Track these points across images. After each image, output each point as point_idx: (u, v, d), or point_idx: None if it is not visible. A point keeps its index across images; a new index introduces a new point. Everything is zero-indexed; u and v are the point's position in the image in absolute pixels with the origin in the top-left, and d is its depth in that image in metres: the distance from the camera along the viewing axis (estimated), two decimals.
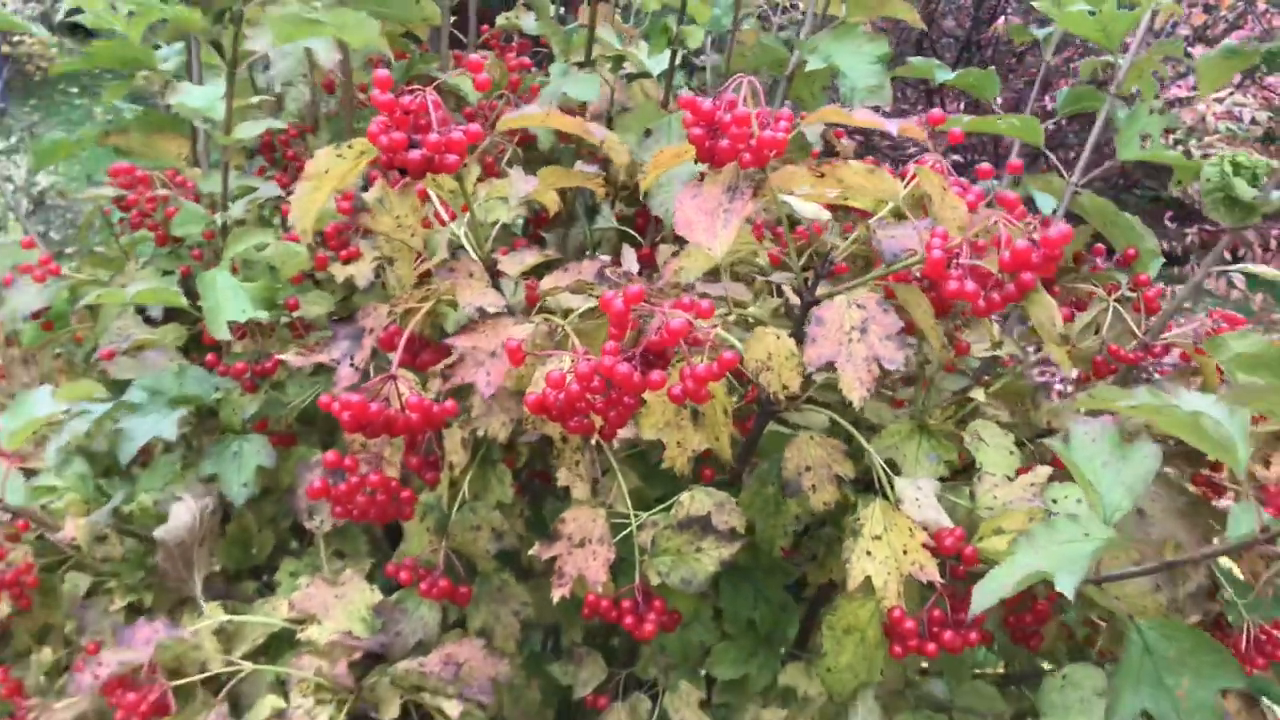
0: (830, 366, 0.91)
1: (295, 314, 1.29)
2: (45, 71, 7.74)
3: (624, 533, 1.07)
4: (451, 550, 1.14)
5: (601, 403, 0.89)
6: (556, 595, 1.03)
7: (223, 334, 1.19)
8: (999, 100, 1.34)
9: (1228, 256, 4.46)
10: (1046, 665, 1.29)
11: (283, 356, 1.13)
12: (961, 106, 4.87)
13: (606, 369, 0.86)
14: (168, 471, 1.24)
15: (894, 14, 1.42)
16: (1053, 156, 1.29)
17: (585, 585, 1.03)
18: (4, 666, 1.19)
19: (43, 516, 1.16)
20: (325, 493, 1.06)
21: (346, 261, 1.22)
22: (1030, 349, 1.27)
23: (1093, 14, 1.16)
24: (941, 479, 1.05)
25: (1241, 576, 1.05)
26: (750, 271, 1.19)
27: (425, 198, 1.08)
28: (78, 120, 7.39)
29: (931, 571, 0.96)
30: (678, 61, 1.53)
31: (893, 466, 1.06)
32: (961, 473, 1.12)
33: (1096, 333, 1.16)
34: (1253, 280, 4.26)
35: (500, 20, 1.68)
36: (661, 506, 1.08)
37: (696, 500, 1.06)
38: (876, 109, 1.20)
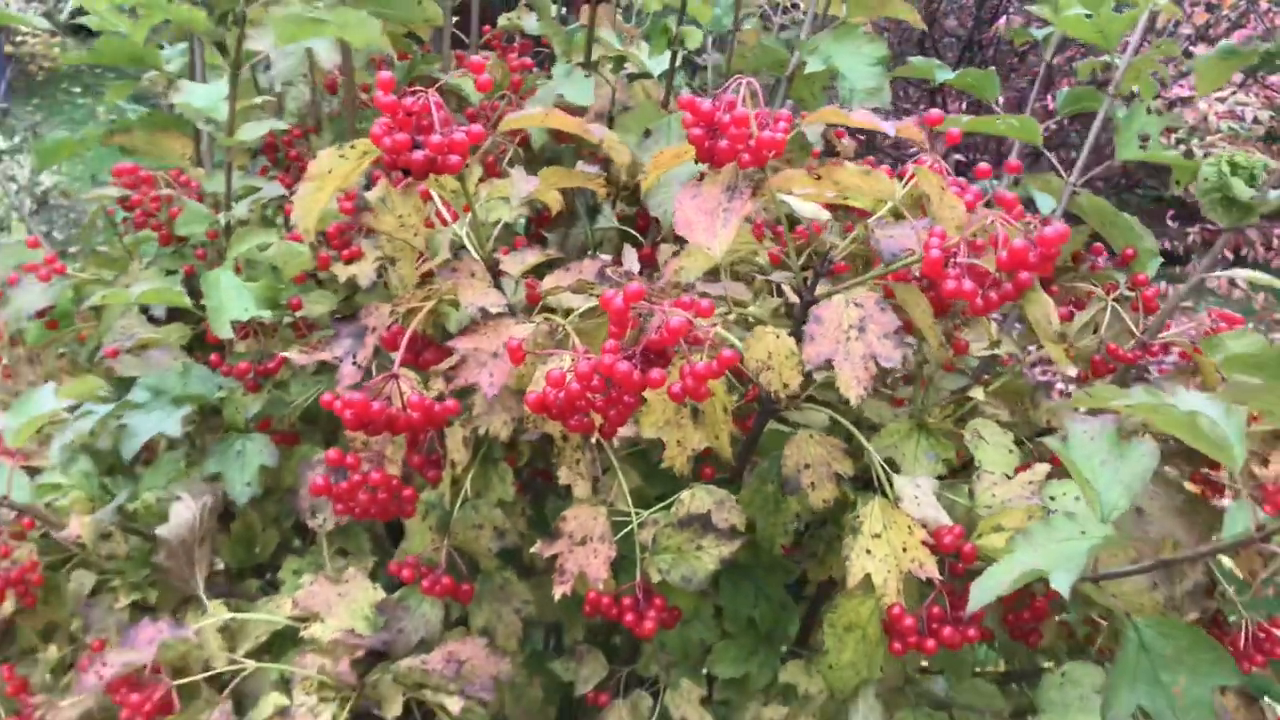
0: (829, 365, 0.92)
1: (298, 313, 1.30)
2: (48, 71, 7.77)
3: (625, 531, 1.07)
4: (454, 548, 1.15)
5: (602, 401, 0.90)
6: (558, 593, 1.03)
7: (226, 333, 1.20)
8: (1001, 100, 1.34)
9: (1230, 256, 4.47)
10: (1047, 664, 1.30)
11: (286, 355, 1.14)
12: (964, 106, 4.87)
13: (607, 367, 0.86)
14: (171, 469, 1.24)
15: (895, 14, 1.42)
16: (1052, 157, 1.29)
17: (586, 583, 1.04)
18: (9, 664, 1.20)
19: (47, 514, 1.17)
20: (327, 490, 1.07)
21: (349, 261, 1.22)
22: (1031, 348, 1.28)
23: (1089, 17, 1.16)
24: (940, 477, 1.05)
25: (1241, 575, 1.06)
26: (750, 271, 1.20)
27: (428, 198, 1.09)
28: (80, 120, 7.40)
29: (930, 569, 0.97)
30: (679, 61, 1.53)
31: (892, 465, 1.07)
32: (960, 471, 1.12)
33: (1095, 332, 1.17)
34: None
35: (502, 21, 1.68)
36: (662, 505, 1.09)
37: (697, 498, 1.07)
38: (876, 110, 1.21)
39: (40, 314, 1.36)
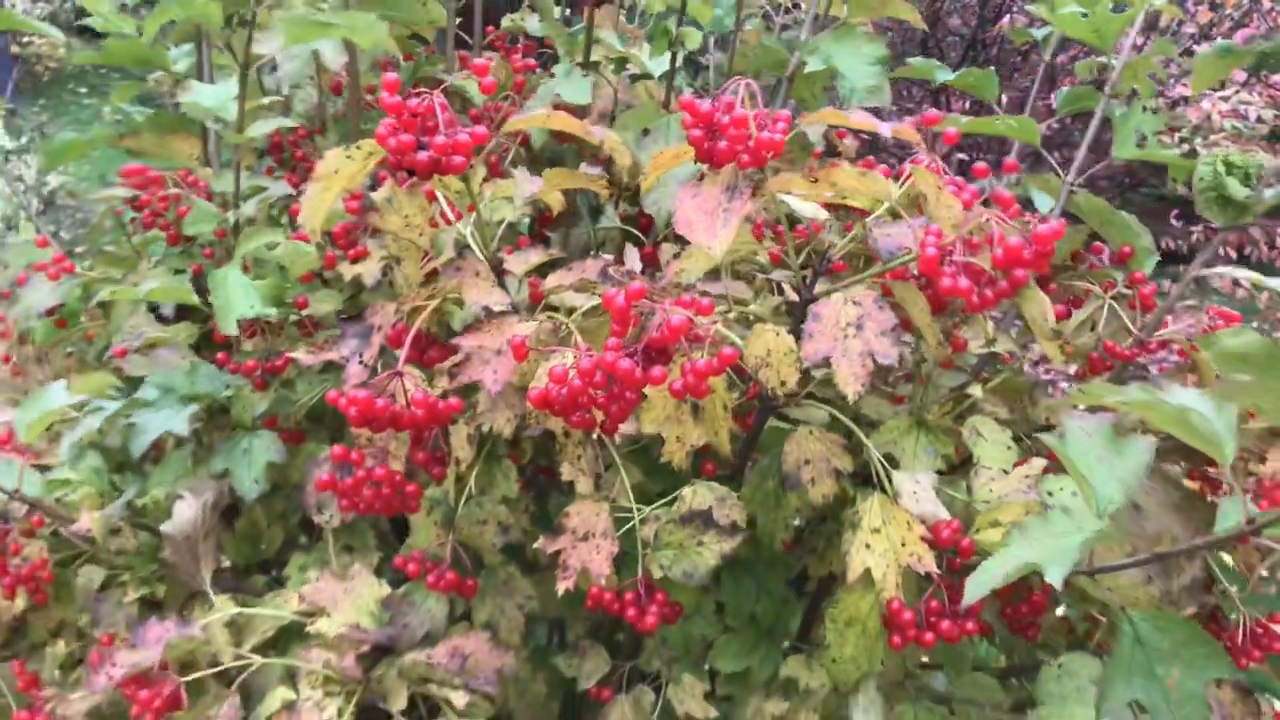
0: (827, 362, 0.93)
1: (304, 312, 1.31)
2: (54, 71, 7.79)
3: (627, 527, 1.08)
4: (458, 544, 1.16)
5: (603, 398, 0.91)
6: (561, 588, 1.04)
7: (232, 329, 1.21)
8: (1004, 99, 1.35)
9: (1233, 254, 4.46)
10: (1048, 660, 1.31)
11: (292, 354, 1.15)
12: (967, 105, 4.87)
13: (609, 365, 0.87)
14: (179, 466, 1.26)
15: (896, 14, 1.43)
16: (1049, 156, 1.30)
17: (589, 578, 1.05)
18: (20, 660, 1.21)
19: (57, 509, 1.18)
20: (332, 486, 1.08)
21: (354, 260, 1.24)
22: (1032, 346, 1.28)
23: (1085, 16, 1.17)
24: (939, 473, 1.06)
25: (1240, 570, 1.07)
26: (751, 270, 1.21)
27: (432, 198, 1.10)
28: (86, 120, 7.42)
29: (929, 563, 0.98)
30: (680, 62, 1.54)
31: (891, 461, 1.08)
32: (959, 467, 1.13)
33: (1092, 329, 1.18)
34: None
35: (505, 22, 1.70)
36: (664, 501, 1.10)
37: (698, 495, 1.08)
38: (876, 110, 1.22)
39: (49, 312, 1.38)
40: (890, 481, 1.03)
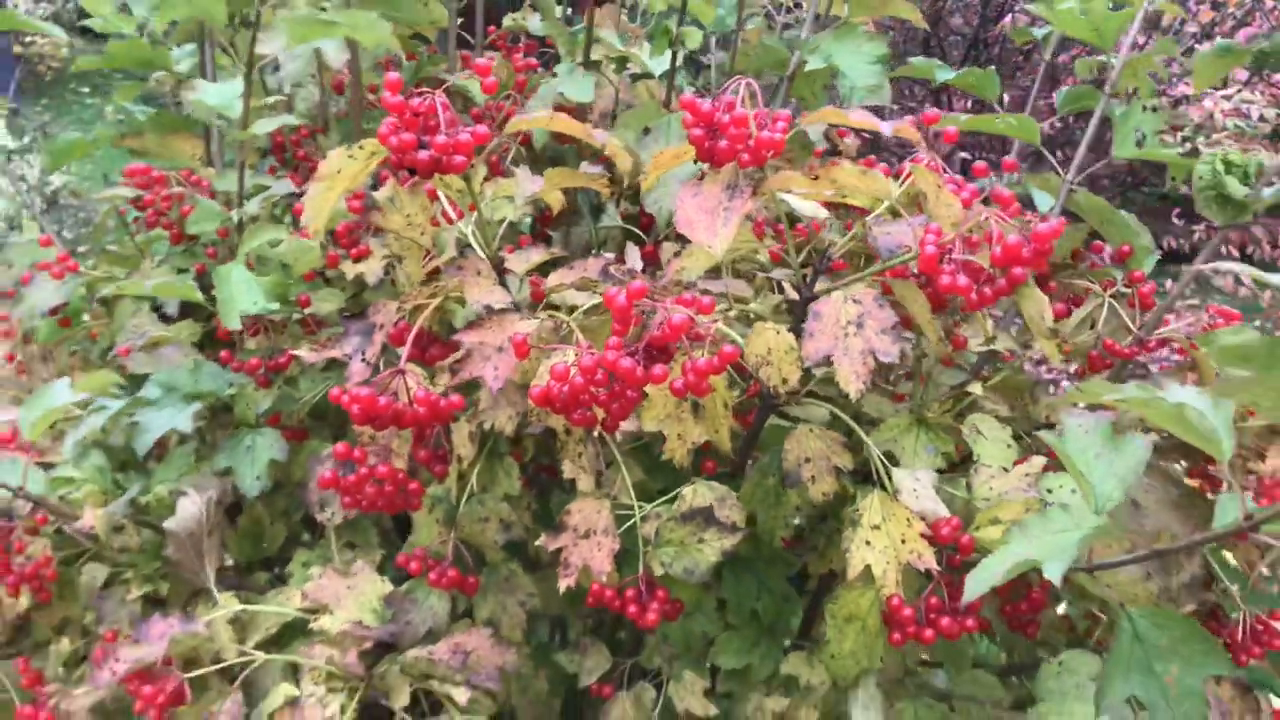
0: (828, 360, 0.93)
1: (307, 310, 1.32)
2: (57, 71, 7.80)
3: (628, 524, 1.09)
4: (460, 541, 1.16)
5: (605, 396, 0.91)
6: (563, 585, 1.05)
7: (236, 324, 1.21)
8: (1005, 99, 1.35)
9: (1235, 253, 4.46)
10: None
11: (295, 352, 1.16)
12: (968, 104, 4.87)
13: (610, 363, 0.88)
14: (182, 464, 1.26)
15: (896, 13, 1.43)
16: (1050, 155, 1.30)
17: (590, 576, 1.05)
18: (24, 658, 1.21)
19: (61, 507, 1.19)
20: (335, 483, 1.08)
21: (357, 259, 1.24)
22: (1033, 344, 1.29)
23: (1083, 14, 1.17)
24: (939, 471, 1.07)
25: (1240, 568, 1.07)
26: (752, 268, 1.21)
27: (434, 197, 1.11)
28: (89, 120, 7.43)
29: (929, 560, 0.98)
30: (681, 61, 1.55)
31: (891, 459, 1.08)
32: (959, 465, 1.14)
33: (1092, 328, 1.18)
34: None
35: (507, 21, 1.70)
36: (665, 498, 1.10)
37: (699, 492, 1.08)
38: (877, 109, 1.22)
39: (53, 311, 1.38)
40: (890, 479, 1.04)
